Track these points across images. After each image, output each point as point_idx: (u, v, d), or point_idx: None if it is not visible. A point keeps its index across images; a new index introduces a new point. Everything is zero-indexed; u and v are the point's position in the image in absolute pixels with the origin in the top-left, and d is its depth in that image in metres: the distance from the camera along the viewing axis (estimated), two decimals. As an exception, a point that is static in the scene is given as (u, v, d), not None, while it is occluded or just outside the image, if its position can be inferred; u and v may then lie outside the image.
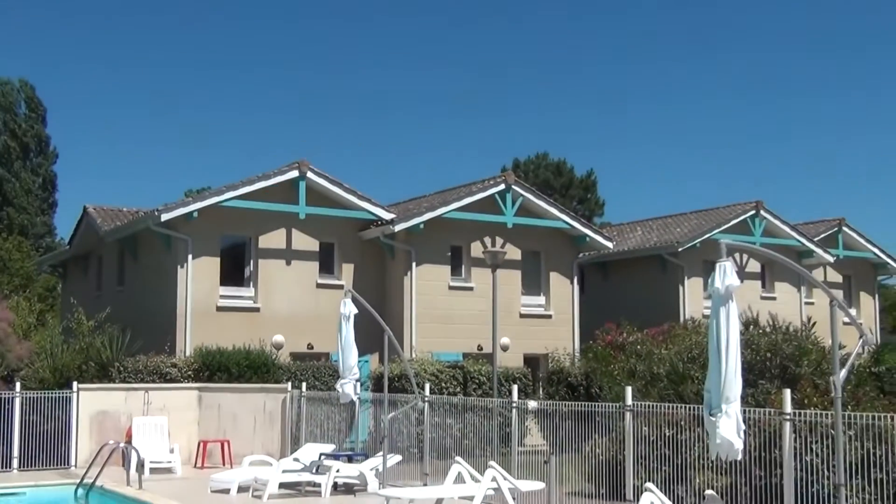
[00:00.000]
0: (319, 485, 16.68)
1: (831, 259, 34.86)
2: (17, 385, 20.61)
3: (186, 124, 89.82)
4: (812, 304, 34.06)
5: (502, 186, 28.17)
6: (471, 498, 13.81)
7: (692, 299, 31.86)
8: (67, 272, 35.24)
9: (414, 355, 25.83)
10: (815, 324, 20.87)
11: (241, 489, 16.83)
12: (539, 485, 14.41)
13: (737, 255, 32.48)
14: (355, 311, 16.73)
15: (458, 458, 14.96)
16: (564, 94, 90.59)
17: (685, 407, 14.05)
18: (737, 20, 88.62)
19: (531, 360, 28.31)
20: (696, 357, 18.06)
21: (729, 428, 8.39)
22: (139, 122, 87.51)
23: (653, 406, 14.61)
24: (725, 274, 8.51)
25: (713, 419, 8.48)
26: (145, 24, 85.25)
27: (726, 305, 8.50)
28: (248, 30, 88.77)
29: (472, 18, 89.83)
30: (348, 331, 16.61)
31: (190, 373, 22.65)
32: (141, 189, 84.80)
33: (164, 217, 24.46)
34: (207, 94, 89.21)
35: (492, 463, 14.16)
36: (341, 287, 25.02)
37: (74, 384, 20.65)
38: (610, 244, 30.44)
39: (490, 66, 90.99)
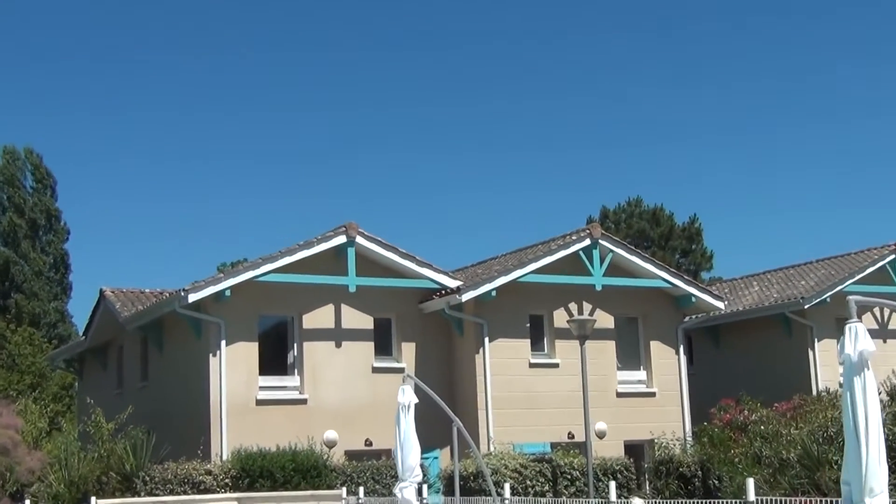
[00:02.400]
0: None
1: None
2: (27, 503, 20.83)
3: (214, 196, 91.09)
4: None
5: (587, 242, 28.02)
6: None
7: (826, 366, 31.16)
8: (84, 367, 35.74)
9: (492, 448, 25.56)
10: None
11: None
12: None
13: (876, 311, 31.81)
14: (416, 399, 16.60)
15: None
16: (655, 129, 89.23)
17: (822, 500, 13.69)
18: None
19: (633, 448, 27.88)
20: (833, 437, 17.77)
21: (875, 528, 8.07)
22: (159, 194, 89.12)
23: (782, 501, 14.28)
24: (857, 337, 8.25)
25: (855, 518, 8.17)
26: (153, 86, 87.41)
27: (861, 375, 8.23)
28: (291, 79, 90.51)
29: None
30: (408, 424, 16.47)
31: (227, 480, 22.71)
32: (165, 268, 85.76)
33: (192, 297, 24.69)
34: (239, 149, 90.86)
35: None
36: (402, 370, 24.91)
37: (93, 499, 20.79)
38: (721, 304, 30.06)
39: (568, 95, 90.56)
